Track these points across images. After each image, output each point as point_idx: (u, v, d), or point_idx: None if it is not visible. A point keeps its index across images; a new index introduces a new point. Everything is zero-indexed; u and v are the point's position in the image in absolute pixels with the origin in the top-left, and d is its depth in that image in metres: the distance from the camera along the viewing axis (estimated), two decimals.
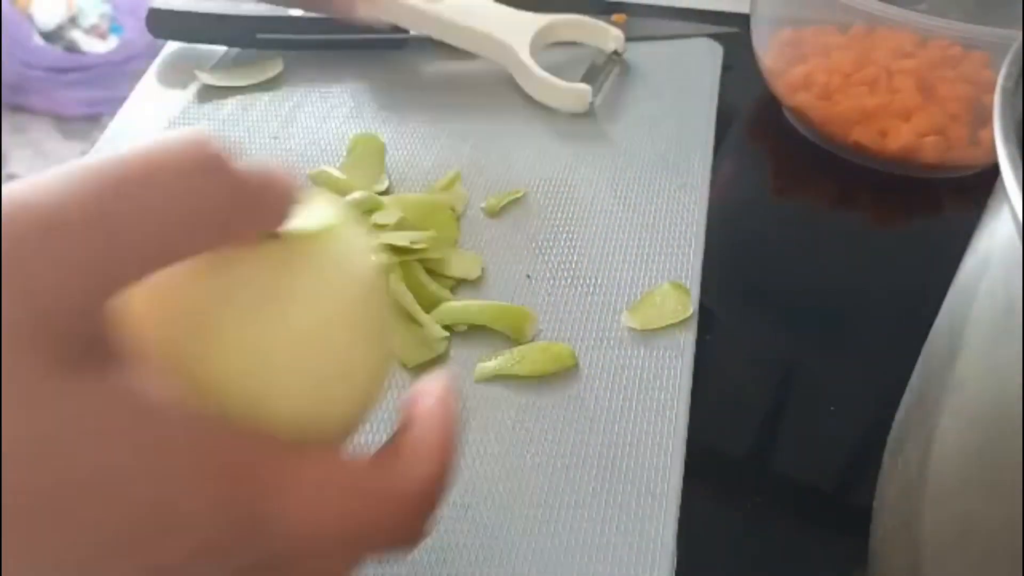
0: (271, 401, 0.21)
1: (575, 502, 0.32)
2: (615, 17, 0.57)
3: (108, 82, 1.59)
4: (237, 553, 0.20)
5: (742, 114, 0.55)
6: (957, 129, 0.47)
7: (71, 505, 0.17)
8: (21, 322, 0.17)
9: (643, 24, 0.58)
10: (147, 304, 0.21)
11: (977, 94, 0.47)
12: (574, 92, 0.50)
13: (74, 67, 1.60)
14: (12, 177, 1.49)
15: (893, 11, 0.43)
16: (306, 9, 0.52)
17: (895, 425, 0.28)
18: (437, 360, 0.37)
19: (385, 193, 0.44)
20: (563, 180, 0.46)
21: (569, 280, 0.40)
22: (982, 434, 0.21)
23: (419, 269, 0.39)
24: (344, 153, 0.47)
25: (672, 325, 0.38)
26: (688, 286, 0.40)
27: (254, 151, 0.47)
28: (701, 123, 0.50)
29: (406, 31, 0.54)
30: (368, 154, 0.46)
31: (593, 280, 0.40)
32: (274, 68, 0.52)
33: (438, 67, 0.54)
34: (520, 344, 0.37)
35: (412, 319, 0.37)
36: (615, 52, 0.54)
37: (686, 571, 0.31)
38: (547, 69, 0.50)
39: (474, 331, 0.38)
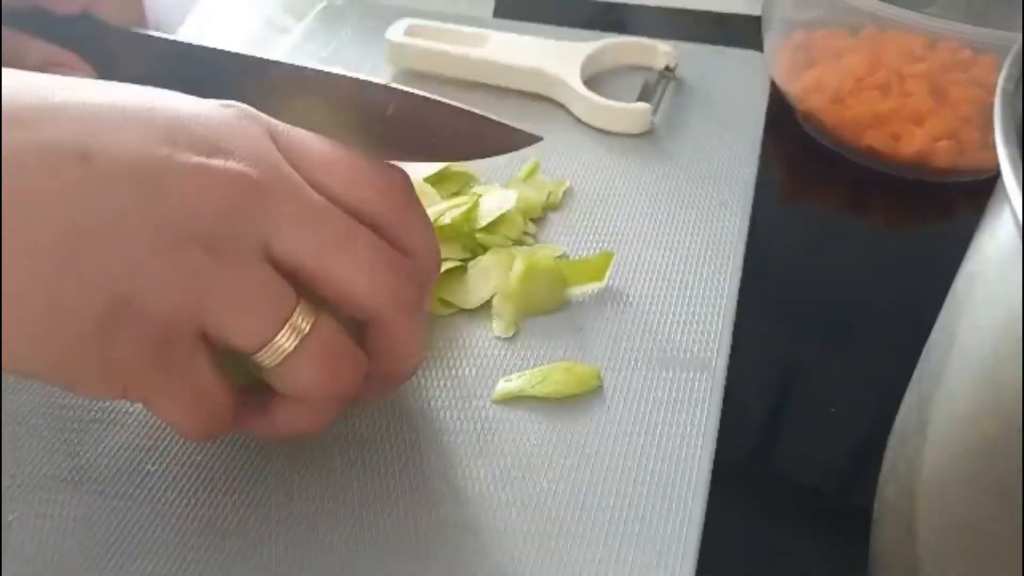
0: None
1: (592, 533, 0.30)
2: None
3: None
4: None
5: None
6: (969, 133, 0.47)
7: None
8: None
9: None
10: None
11: (988, 98, 0.46)
12: (635, 112, 0.49)
13: None
14: None
15: (904, 14, 0.43)
16: None
17: (896, 425, 0.28)
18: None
19: None
20: (604, 195, 0.45)
21: (599, 298, 0.39)
22: (982, 435, 0.21)
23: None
24: None
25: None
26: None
27: None
28: (748, 138, 0.50)
29: None
30: None
31: (624, 299, 0.39)
32: None
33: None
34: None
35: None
36: (666, 67, 0.54)
37: None
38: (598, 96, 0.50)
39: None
